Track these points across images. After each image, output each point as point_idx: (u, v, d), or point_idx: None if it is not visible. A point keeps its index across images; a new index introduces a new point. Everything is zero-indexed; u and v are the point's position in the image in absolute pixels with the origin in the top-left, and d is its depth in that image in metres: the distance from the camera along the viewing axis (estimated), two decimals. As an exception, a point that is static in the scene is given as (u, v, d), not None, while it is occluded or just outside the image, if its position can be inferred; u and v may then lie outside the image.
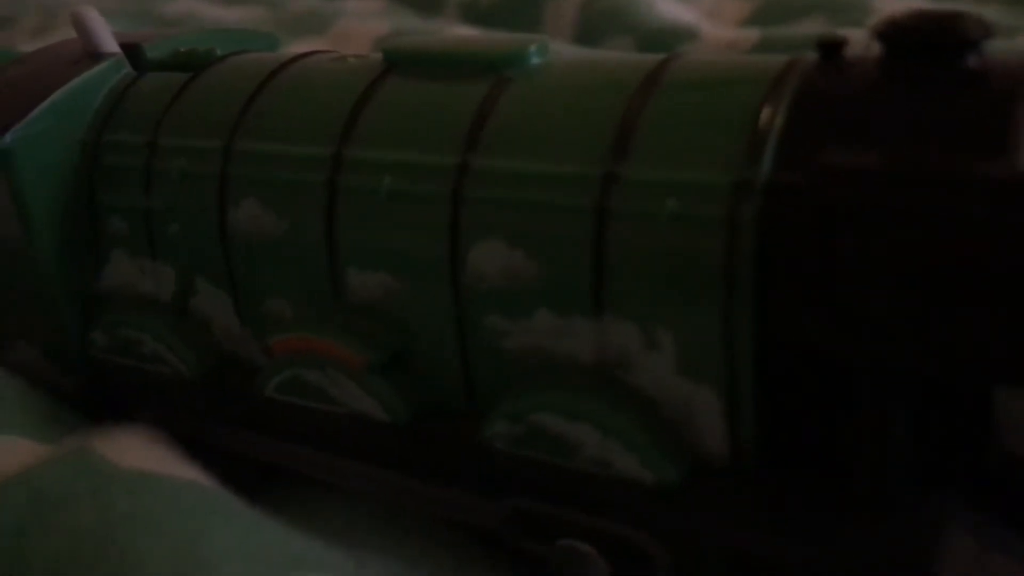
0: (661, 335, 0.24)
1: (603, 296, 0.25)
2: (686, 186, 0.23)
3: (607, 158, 0.24)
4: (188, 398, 0.33)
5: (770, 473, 0.24)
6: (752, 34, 0.68)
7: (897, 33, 0.23)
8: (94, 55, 0.35)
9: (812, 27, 0.73)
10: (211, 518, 0.26)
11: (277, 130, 0.30)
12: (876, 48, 0.23)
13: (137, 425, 0.31)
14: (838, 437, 0.24)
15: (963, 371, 0.22)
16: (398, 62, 0.29)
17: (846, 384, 0.23)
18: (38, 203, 0.33)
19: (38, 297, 0.34)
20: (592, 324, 0.25)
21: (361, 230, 0.28)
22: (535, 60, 0.28)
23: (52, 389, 0.35)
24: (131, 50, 0.34)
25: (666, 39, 0.72)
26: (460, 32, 0.75)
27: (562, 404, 0.25)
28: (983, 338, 0.21)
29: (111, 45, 0.35)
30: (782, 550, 0.24)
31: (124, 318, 0.33)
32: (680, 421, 0.24)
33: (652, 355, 0.24)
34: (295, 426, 0.30)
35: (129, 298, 0.34)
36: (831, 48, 0.24)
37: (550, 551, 0.27)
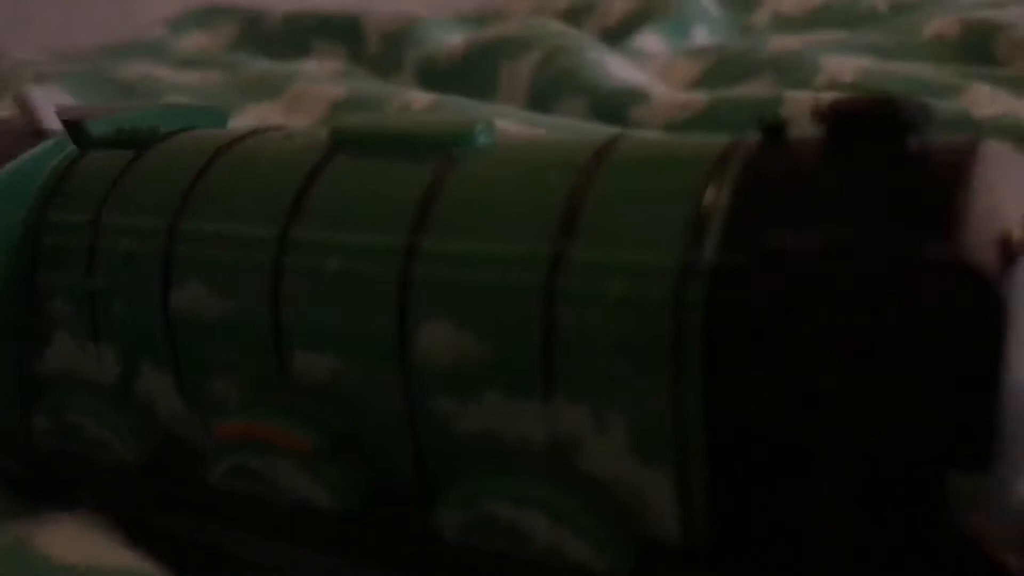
0: (611, 418, 0.24)
1: (553, 378, 0.24)
2: (631, 267, 0.23)
3: (554, 238, 0.24)
4: (132, 484, 0.32)
5: (723, 556, 0.24)
6: (701, 97, 0.69)
7: (838, 117, 0.23)
8: (37, 133, 0.34)
9: (760, 88, 0.75)
10: None
11: (222, 210, 0.30)
12: (818, 129, 0.24)
13: (78, 512, 0.30)
14: (792, 519, 0.23)
15: (913, 453, 0.21)
16: (345, 142, 0.29)
17: (800, 465, 0.23)
18: (-23, 284, 0.32)
19: (-23, 380, 0.33)
20: (542, 406, 0.25)
21: (307, 311, 0.28)
22: (482, 140, 0.28)
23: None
24: (74, 127, 0.34)
25: (618, 101, 0.73)
26: (417, 96, 0.75)
27: (512, 491, 0.25)
28: (931, 420, 0.21)
29: (54, 122, 0.34)
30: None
31: (66, 401, 0.33)
32: (632, 504, 0.24)
33: (603, 438, 0.24)
34: (242, 512, 0.30)
35: (71, 380, 0.33)
36: (773, 130, 0.24)
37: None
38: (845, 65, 0.74)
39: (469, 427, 0.26)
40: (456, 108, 0.70)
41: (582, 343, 0.24)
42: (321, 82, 0.80)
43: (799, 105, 0.59)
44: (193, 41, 1.05)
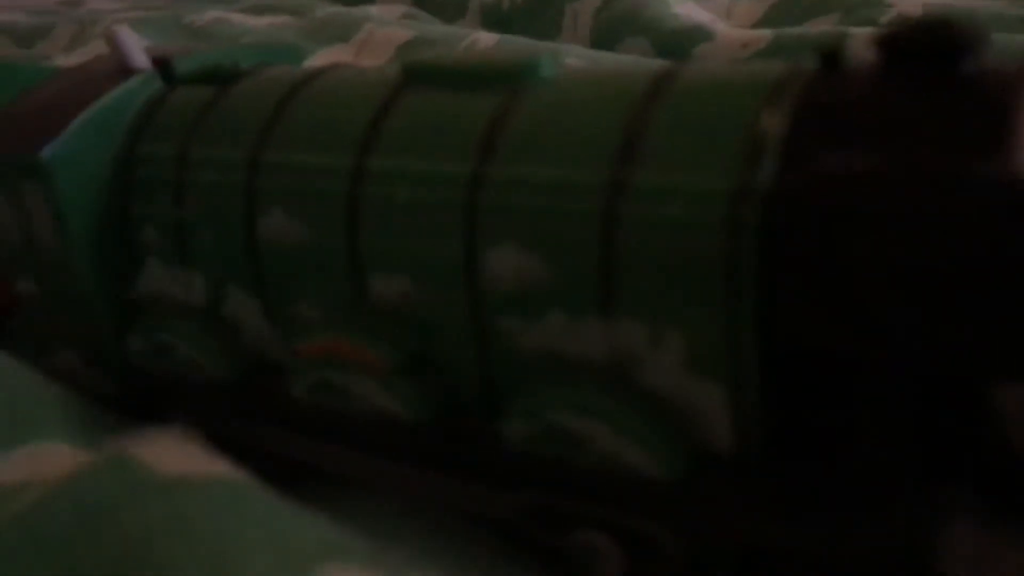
0: (669, 334, 0.25)
1: (613, 297, 0.26)
2: (689, 191, 0.24)
3: (614, 165, 0.25)
4: (220, 399, 0.34)
5: (775, 465, 0.25)
6: (765, 34, 0.68)
7: (894, 41, 0.23)
8: (127, 71, 0.36)
9: (826, 26, 0.74)
10: (244, 513, 0.27)
11: (302, 141, 0.31)
12: (876, 55, 0.24)
13: (172, 426, 0.32)
14: (842, 430, 0.24)
15: (963, 367, 0.22)
16: (416, 75, 0.31)
17: (849, 380, 0.24)
18: (75, 214, 0.34)
19: (77, 304, 0.36)
20: (603, 324, 0.26)
21: (382, 237, 0.29)
22: (545, 72, 0.29)
23: (90, 392, 0.37)
24: (161, 65, 0.36)
25: (681, 40, 0.72)
26: (482, 37, 0.76)
27: (574, 402, 0.26)
28: (980, 334, 0.21)
29: (143, 61, 0.36)
30: (787, 540, 0.25)
31: (159, 323, 0.35)
32: (688, 415, 0.25)
33: (660, 353, 0.25)
34: (322, 425, 0.32)
35: (163, 304, 0.35)
36: (830, 56, 0.25)
37: (567, 543, 0.28)
38: (914, 1, 0.73)
39: (534, 344, 0.27)
40: (520, 47, 0.70)
41: (641, 264, 0.25)
42: (389, 25, 0.81)
43: (864, 42, 0.59)
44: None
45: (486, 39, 0.74)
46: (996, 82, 0.22)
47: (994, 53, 0.23)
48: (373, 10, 0.92)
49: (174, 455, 0.29)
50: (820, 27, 0.74)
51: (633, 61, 0.68)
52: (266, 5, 0.98)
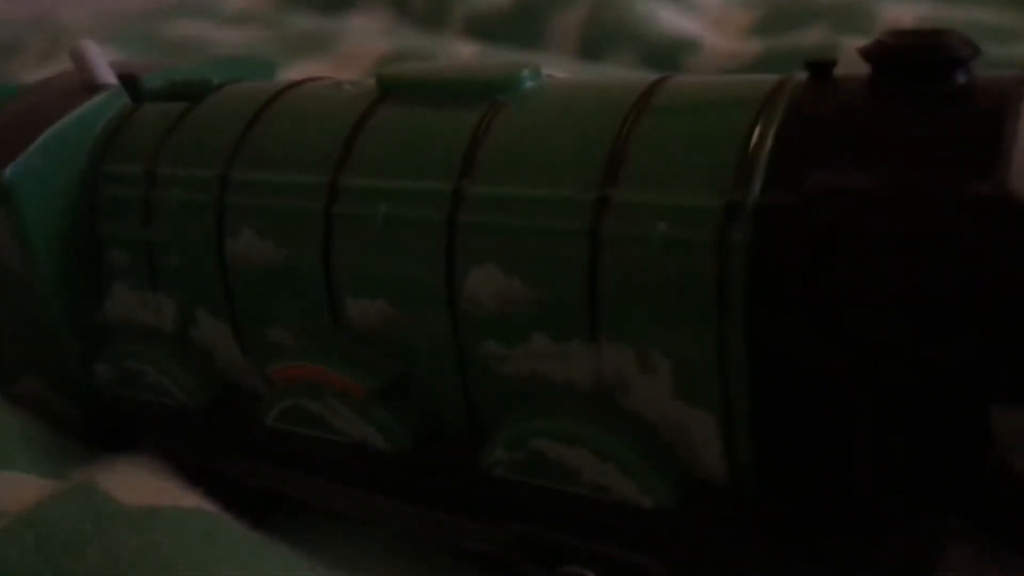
0: (656, 358, 0.24)
1: (598, 320, 0.25)
2: (676, 209, 0.23)
3: (599, 182, 0.25)
4: (191, 427, 0.33)
5: (768, 493, 0.24)
6: (755, 46, 0.68)
7: (884, 53, 0.23)
8: (92, 87, 0.35)
9: (816, 36, 0.73)
10: (216, 547, 0.26)
11: (274, 159, 0.30)
12: (866, 67, 0.23)
13: (140, 456, 0.31)
14: (835, 456, 0.24)
15: (956, 390, 0.22)
16: (392, 89, 0.30)
17: (842, 404, 0.23)
18: (39, 235, 0.33)
19: (42, 329, 0.35)
20: (588, 348, 0.25)
21: (358, 258, 0.28)
22: (528, 85, 0.28)
23: (57, 420, 0.36)
24: (128, 81, 0.35)
25: (669, 51, 0.72)
26: (463, 49, 0.75)
27: (559, 430, 0.25)
28: (975, 356, 0.21)
29: (108, 77, 0.35)
30: (782, 570, 0.24)
31: (127, 349, 0.34)
32: (677, 443, 0.25)
33: (648, 378, 0.24)
34: (297, 454, 0.30)
35: (131, 329, 0.34)
36: (820, 68, 0.24)
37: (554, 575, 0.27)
38: (904, 12, 0.73)
39: (517, 369, 0.26)
40: (502, 59, 0.70)
41: (627, 285, 0.24)
42: (368, 38, 0.80)
43: (855, 52, 0.58)
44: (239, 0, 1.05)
45: (467, 52, 0.73)
46: (988, 96, 0.22)
47: (986, 65, 0.23)
48: (353, 22, 0.91)
49: (143, 487, 0.28)
50: (810, 36, 0.73)
51: (619, 73, 0.67)
52: (243, 17, 0.97)
